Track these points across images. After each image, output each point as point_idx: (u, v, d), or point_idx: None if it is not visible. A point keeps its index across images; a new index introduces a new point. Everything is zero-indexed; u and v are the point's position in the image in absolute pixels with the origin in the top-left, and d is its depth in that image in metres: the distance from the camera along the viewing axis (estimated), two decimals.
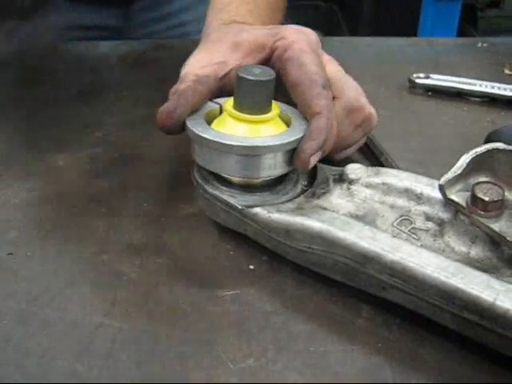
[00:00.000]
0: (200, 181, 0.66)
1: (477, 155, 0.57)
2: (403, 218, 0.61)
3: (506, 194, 0.56)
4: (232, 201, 0.63)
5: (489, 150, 0.57)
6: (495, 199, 0.54)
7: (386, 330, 0.57)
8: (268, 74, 0.62)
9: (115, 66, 1.13)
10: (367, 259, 0.54)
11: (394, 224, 0.60)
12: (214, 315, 0.59)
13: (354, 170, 0.65)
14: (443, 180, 0.57)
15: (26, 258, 0.65)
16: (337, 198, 0.64)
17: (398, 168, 0.76)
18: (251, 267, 0.64)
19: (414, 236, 0.59)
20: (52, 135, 0.89)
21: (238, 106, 0.63)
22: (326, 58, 0.73)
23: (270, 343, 0.56)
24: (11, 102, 1.00)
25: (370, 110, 0.74)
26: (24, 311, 0.59)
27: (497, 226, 0.54)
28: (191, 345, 0.56)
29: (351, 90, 0.73)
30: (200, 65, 0.72)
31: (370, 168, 0.66)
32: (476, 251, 0.57)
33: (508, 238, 0.53)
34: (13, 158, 0.84)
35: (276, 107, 0.64)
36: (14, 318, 0.58)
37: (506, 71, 1.11)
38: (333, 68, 0.73)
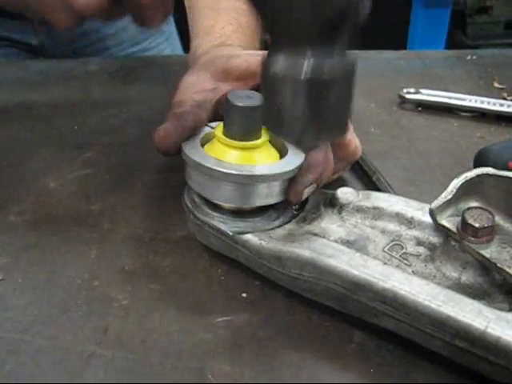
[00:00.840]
0: (190, 206, 0.66)
1: (467, 180, 0.57)
2: (394, 242, 0.61)
3: (497, 218, 0.56)
4: (223, 227, 0.63)
5: (478, 175, 0.57)
6: (485, 225, 0.54)
7: (378, 356, 0.57)
8: (257, 100, 0.61)
9: (105, 83, 1.13)
10: (358, 287, 0.54)
11: (385, 249, 0.60)
12: (206, 342, 0.59)
13: (345, 194, 0.65)
14: (434, 205, 0.57)
15: (18, 285, 0.65)
16: (328, 223, 0.64)
17: (390, 187, 0.76)
18: (243, 293, 0.64)
19: (405, 262, 0.59)
20: (42, 156, 0.89)
21: (228, 133, 0.62)
22: None
23: (263, 370, 0.56)
24: None
25: (356, 143, 0.74)
26: (16, 340, 0.59)
27: (487, 253, 0.54)
28: (184, 373, 0.56)
29: None
30: (194, 90, 0.71)
31: (360, 192, 0.65)
32: (467, 277, 0.57)
33: (498, 265, 0.53)
34: (2, 180, 0.83)
35: (266, 133, 0.64)
36: (6, 348, 0.58)
37: (495, 84, 1.11)
38: None
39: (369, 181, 0.80)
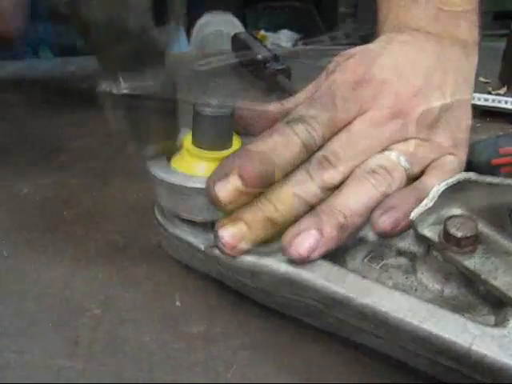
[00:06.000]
0: (160, 219, 0.63)
1: (448, 186, 0.55)
2: (374, 253, 0.59)
3: (480, 226, 0.54)
4: (194, 241, 0.60)
5: (460, 181, 0.55)
6: (468, 235, 0.52)
7: (359, 365, 0.55)
8: (227, 109, 0.57)
9: (83, 83, 1.10)
10: (336, 303, 0.52)
11: (365, 260, 0.58)
12: (179, 353, 0.57)
13: None
14: (414, 214, 0.54)
15: None
16: None
17: None
18: (218, 299, 0.62)
19: (385, 273, 0.57)
20: (16, 160, 0.87)
21: (197, 142, 0.59)
22: None
23: (237, 381, 0.54)
24: None
25: None
26: None
27: (471, 263, 0.52)
28: None
29: None
30: None
31: None
32: (450, 289, 0.55)
33: (482, 276, 0.51)
34: None
35: (237, 141, 0.60)
36: None
37: (481, 78, 1.09)
38: None
39: None
